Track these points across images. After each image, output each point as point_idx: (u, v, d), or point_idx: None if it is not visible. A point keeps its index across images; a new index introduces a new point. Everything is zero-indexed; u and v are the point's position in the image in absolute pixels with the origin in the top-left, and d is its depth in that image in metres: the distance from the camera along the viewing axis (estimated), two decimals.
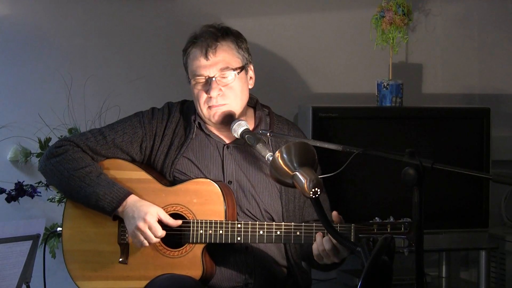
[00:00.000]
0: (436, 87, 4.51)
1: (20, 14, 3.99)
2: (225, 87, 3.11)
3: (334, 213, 2.94)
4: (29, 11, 4.00)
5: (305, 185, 2.59)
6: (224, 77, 3.10)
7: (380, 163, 3.74)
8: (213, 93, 3.09)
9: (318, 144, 2.87)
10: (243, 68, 3.15)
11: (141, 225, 2.99)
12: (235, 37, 3.15)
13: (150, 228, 3.00)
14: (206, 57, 3.09)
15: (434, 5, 4.45)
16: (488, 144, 4.02)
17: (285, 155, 2.64)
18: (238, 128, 3.08)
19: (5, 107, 3.97)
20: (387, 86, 4.05)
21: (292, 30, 4.30)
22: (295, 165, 2.63)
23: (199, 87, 3.12)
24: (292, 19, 4.30)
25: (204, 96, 3.11)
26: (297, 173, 2.62)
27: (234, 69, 3.11)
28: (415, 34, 4.43)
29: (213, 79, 3.09)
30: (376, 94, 4.10)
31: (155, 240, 3.01)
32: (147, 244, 3.02)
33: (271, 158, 2.82)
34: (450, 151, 3.98)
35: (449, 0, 4.48)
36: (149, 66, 4.12)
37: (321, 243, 2.91)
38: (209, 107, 3.11)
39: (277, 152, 2.65)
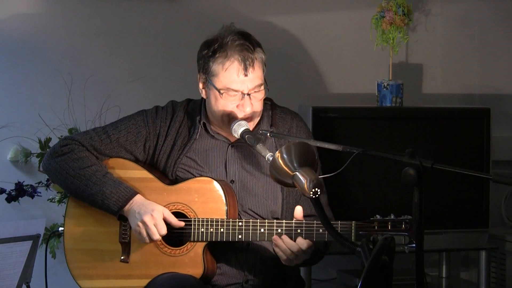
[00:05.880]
0: (436, 87, 4.51)
1: (20, 15, 3.99)
2: (256, 101, 3.08)
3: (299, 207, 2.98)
4: (29, 12, 4.00)
5: (305, 185, 2.59)
6: (257, 92, 3.07)
7: (380, 163, 3.75)
8: (248, 109, 3.06)
9: (318, 144, 2.87)
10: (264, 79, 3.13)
11: (148, 219, 2.99)
12: (260, 47, 3.11)
13: (155, 225, 3.00)
14: (246, 73, 3.03)
15: (434, 5, 4.46)
16: (488, 144, 4.02)
17: (285, 156, 2.64)
18: (238, 128, 3.07)
19: (5, 107, 3.98)
20: (387, 86, 4.05)
21: (292, 30, 4.30)
22: (295, 165, 2.63)
23: (228, 98, 3.06)
24: (292, 19, 4.30)
25: (231, 107, 3.06)
26: (297, 173, 2.62)
27: (264, 83, 3.09)
28: (415, 34, 4.43)
29: (249, 96, 3.06)
30: (376, 94, 4.10)
31: (157, 237, 3.01)
32: (149, 240, 3.02)
33: (271, 159, 2.83)
34: (450, 151, 3.98)
35: (449, 0, 4.48)
36: (149, 66, 4.12)
37: (288, 246, 2.94)
38: (234, 118, 3.07)
39: (277, 152, 2.65)
